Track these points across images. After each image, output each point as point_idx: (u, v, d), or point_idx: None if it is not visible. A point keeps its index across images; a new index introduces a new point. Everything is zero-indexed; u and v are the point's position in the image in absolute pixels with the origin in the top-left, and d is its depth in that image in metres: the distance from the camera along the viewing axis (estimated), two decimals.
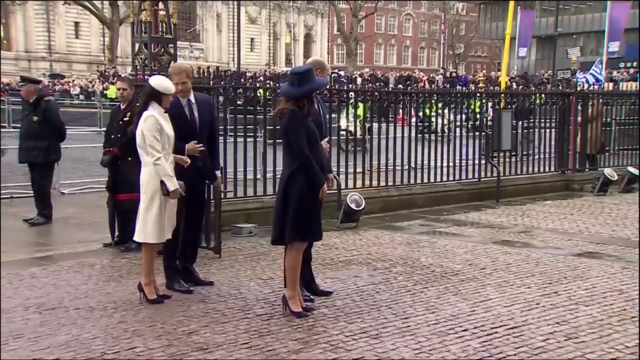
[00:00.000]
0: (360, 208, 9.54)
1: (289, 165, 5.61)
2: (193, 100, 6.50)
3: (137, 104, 7.77)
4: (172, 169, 6.01)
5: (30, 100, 9.49)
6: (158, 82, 6.02)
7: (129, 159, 7.86)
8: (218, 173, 6.89)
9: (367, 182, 10.76)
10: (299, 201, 5.50)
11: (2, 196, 10.37)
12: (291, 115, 5.49)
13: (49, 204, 9.65)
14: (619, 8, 32.30)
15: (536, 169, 13.43)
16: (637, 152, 15.21)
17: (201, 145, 6.40)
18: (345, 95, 11.88)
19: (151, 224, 5.93)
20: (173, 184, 5.88)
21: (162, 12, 8.04)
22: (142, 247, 6.15)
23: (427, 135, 12.12)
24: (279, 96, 5.77)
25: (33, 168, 9.62)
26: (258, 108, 10.87)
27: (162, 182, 5.85)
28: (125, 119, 7.87)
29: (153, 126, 5.86)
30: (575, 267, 7.39)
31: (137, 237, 6.08)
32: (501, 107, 12.90)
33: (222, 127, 8.82)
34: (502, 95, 13.62)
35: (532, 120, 14.40)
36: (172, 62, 8.00)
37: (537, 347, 4.98)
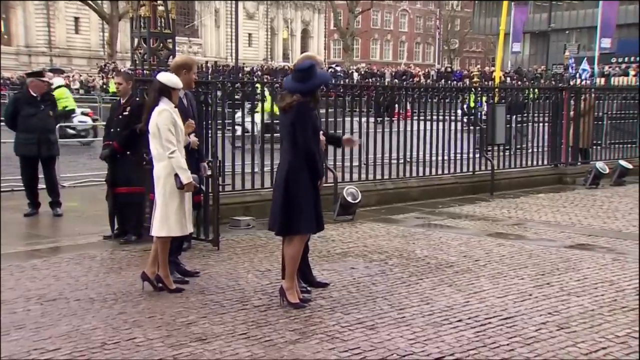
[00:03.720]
0: (357, 201, 9.61)
1: (291, 158, 5.62)
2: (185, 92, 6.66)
3: (138, 99, 7.86)
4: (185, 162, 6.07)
5: (39, 96, 9.63)
6: (167, 77, 6.07)
7: (128, 152, 7.97)
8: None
9: (363, 176, 10.85)
10: (308, 193, 5.58)
11: (2, 189, 10.44)
12: (300, 107, 5.52)
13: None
14: (611, 5, 32.43)
15: (529, 163, 13.50)
16: (629, 145, 15.32)
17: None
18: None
19: (173, 217, 5.94)
20: (187, 177, 5.89)
21: (160, 8, 8.08)
22: (157, 240, 6.05)
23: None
24: (283, 91, 5.84)
25: (41, 161, 9.78)
26: (256, 102, 10.95)
27: (175, 175, 5.87)
28: (125, 113, 7.96)
29: (168, 120, 5.87)
30: (567, 258, 7.46)
31: (159, 232, 5.98)
32: (495, 101, 12.99)
33: (220, 121, 8.92)
34: (496, 89, 13.71)
35: (525, 115, 14.49)
36: (171, 57, 8.06)
37: (529, 337, 5.05)
